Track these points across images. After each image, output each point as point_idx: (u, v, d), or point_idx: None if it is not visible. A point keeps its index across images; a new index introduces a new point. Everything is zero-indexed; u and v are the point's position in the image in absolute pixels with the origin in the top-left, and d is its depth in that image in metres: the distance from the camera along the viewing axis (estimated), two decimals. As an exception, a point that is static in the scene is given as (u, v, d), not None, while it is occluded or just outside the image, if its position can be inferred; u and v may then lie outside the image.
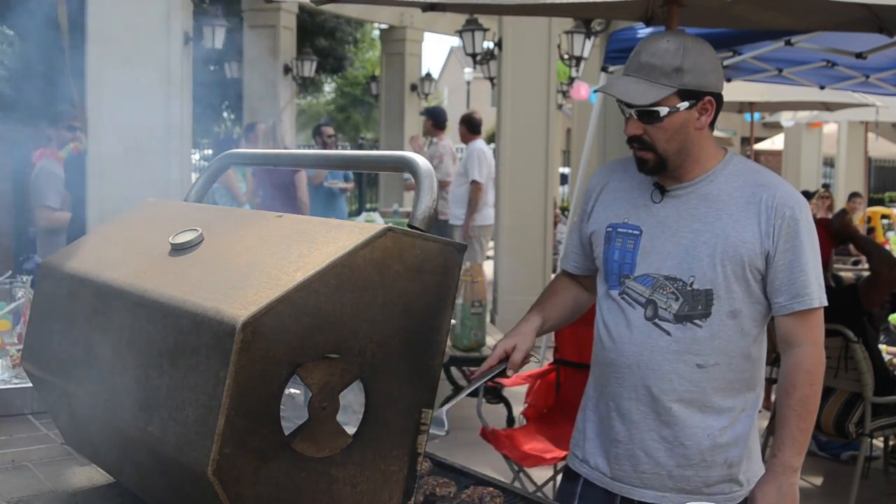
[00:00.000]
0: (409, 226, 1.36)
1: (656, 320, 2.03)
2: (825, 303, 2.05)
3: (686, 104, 1.98)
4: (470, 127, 8.26)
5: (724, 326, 2.01)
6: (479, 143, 8.31)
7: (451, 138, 9.15)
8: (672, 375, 2.02)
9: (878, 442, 5.02)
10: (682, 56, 1.97)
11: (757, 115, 12.31)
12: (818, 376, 2.06)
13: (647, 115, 1.98)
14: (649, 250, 2.04)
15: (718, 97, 2.03)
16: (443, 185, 8.33)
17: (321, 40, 18.88)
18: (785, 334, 2.06)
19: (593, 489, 2.15)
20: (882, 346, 4.74)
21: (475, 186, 8.05)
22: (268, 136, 8.31)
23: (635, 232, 2.07)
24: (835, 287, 4.76)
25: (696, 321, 2.00)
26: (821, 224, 5.17)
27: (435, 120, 8.88)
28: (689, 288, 2.00)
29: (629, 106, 1.99)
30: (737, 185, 2.04)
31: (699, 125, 2.01)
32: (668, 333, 2.02)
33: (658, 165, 2.02)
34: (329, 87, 27.58)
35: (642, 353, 2.04)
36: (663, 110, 1.97)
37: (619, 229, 2.09)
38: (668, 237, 2.03)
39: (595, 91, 2.20)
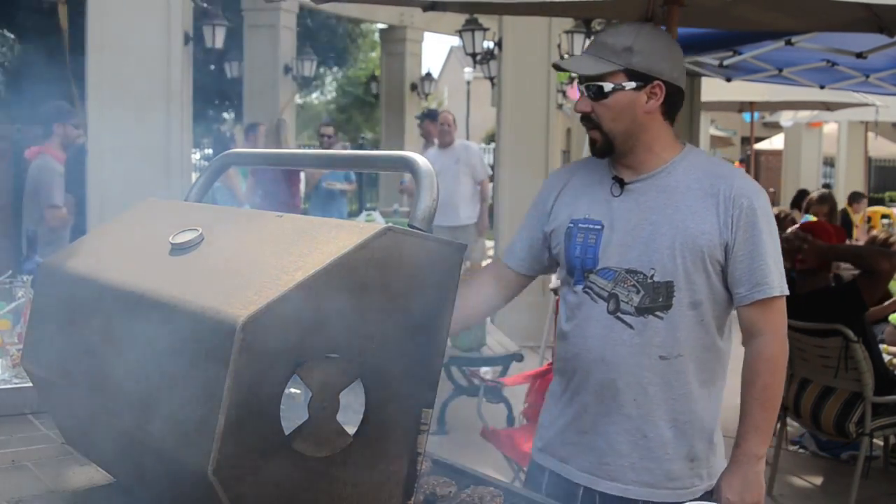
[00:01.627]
0: (410, 225, 1.36)
1: (619, 314, 2.04)
2: (786, 291, 2.07)
3: (633, 84, 2.01)
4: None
5: (685, 318, 2.02)
6: (469, 142, 8.38)
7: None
8: (636, 368, 2.04)
9: (879, 441, 5.02)
10: (633, 37, 2.01)
11: (757, 115, 12.32)
12: (781, 366, 2.09)
13: (595, 91, 2.02)
14: (610, 244, 2.06)
15: (673, 87, 2.05)
16: None
17: (321, 38, 18.88)
18: (747, 324, 2.07)
19: (558, 481, 2.17)
20: (882, 347, 4.74)
21: (485, 183, 8.15)
22: (270, 135, 8.32)
23: (597, 226, 2.09)
24: (835, 286, 4.77)
25: (658, 313, 2.02)
26: (823, 226, 5.18)
27: (430, 121, 8.93)
28: (649, 280, 2.01)
29: (580, 82, 2.04)
30: (695, 177, 2.05)
31: (647, 109, 2.03)
32: (631, 326, 2.03)
33: (606, 146, 2.05)
34: (329, 87, 27.58)
35: (606, 347, 2.05)
36: (608, 86, 2.01)
37: (581, 224, 2.11)
38: (628, 230, 2.05)
39: (553, 66, 2.25)
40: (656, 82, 2.02)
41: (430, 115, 9.10)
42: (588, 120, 2.05)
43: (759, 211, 2.02)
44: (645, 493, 2.07)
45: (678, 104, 2.08)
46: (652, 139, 2.07)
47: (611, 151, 2.07)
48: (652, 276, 2.01)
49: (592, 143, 2.07)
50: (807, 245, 4.41)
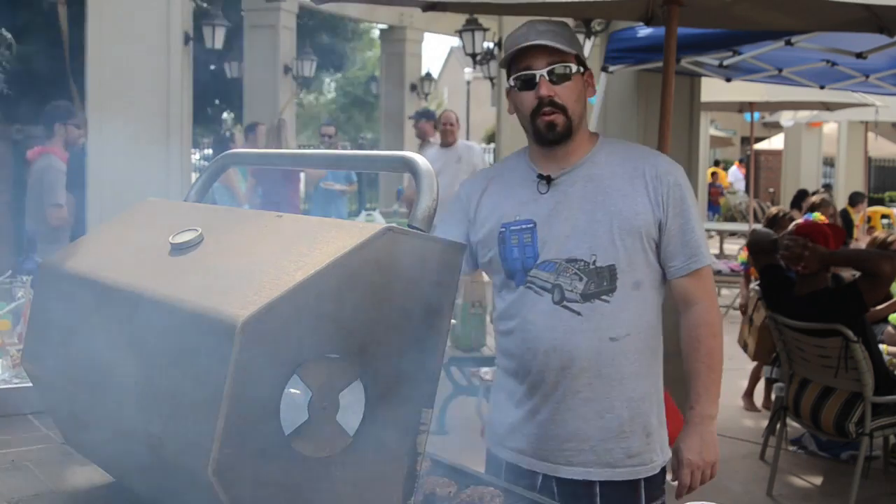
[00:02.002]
0: (409, 225, 1.36)
1: (564, 303, 2.10)
2: (714, 260, 2.19)
3: (582, 70, 2.12)
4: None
5: (629, 298, 2.10)
6: (471, 142, 8.38)
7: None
8: (588, 353, 2.09)
9: (880, 441, 5.02)
10: (569, 31, 2.14)
11: (757, 115, 12.32)
12: (719, 329, 2.18)
13: (559, 74, 2.08)
14: (547, 238, 2.11)
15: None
16: None
17: (321, 38, 18.88)
18: (682, 295, 2.17)
19: (516, 471, 2.20)
20: (882, 347, 4.74)
21: None
22: (271, 136, 8.33)
23: (529, 225, 2.13)
24: (835, 287, 4.77)
25: (603, 297, 2.09)
26: (819, 228, 5.18)
27: (435, 121, 8.90)
28: (592, 266, 2.08)
29: (550, 63, 2.07)
30: (617, 163, 2.14)
31: (587, 95, 2.14)
32: (578, 313, 2.09)
33: (566, 129, 2.11)
34: (329, 87, 27.57)
35: (556, 337, 2.10)
36: (574, 67, 2.09)
37: (512, 227, 2.15)
38: (562, 222, 2.10)
39: (516, 50, 2.21)
40: (589, 71, 2.14)
41: (425, 115, 9.09)
42: (552, 103, 2.09)
43: (685, 187, 2.13)
44: (606, 473, 2.14)
45: None
46: (583, 129, 2.16)
47: (568, 136, 2.12)
48: (594, 261, 2.08)
49: (552, 126, 2.10)
50: (808, 252, 4.42)
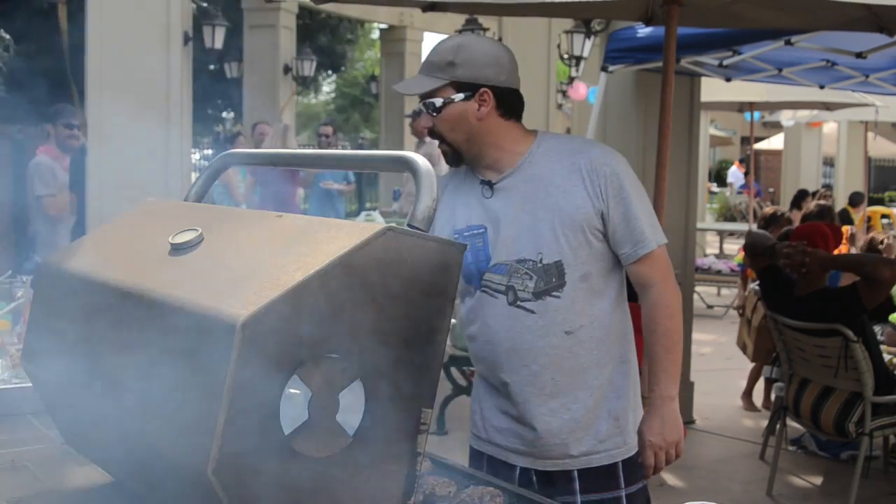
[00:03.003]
0: (409, 225, 1.36)
1: (518, 303, 2.15)
2: (664, 241, 2.18)
3: (462, 95, 2.12)
4: None
5: (579, 291, 2.14)
6: None
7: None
8: (546, 349, 2.14)
9: (880, 441, 5.02)
10: (455, 52, 2.11)
11: (757, 115, 12.32)
12: (676, 309, 2.19)
13: (429, 107, 2.14)
14: (497, 241, 2.16)
15: (502, 90, 2.15)
16: None
17: (321, 38, 18.88)
18: (637, 279, 2.19)
19: (495, 463, 2.27)
20: (882, 347, 4.74)
21: None
22: (276, 140, 8.32)
23: (480, 230, 2.19)
24: (834, 288, 4.77)
25: (554, 293, 2.13)
26: (819, 228, 5.18)
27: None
28: (540, 264, 2.12)
29: (424, 96, 2.14)
30: (555, 159, 2.16)
31: (480, 115, 2.13)
32: (532, 311, 2.14)
33: (455, 156, 2.18)
34: (329, 87, 27.57)
35: (514, 337, 2.15)
36: (438, 101, 2.12)
37: (465, 233, 2.20)
38: (508, 224, 2.15)
39: (394, 88, 2.31)
40: (483, 89, 2.12)
41: (421, 113, 9.07)
42: (433, 134, 2.17)
43: (622, 174, 2.14)
44: (582, 461, 2.19)
45: (515, 102, 2.18)
46: (498, 139, 2.17)
47: (460, 160, 2.19)
48: (541, 259, 2.12)
49: (444, 155, 2.19)
50: (808, 258, 4.43)
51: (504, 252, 2.15)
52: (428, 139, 8.72)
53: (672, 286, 2.19)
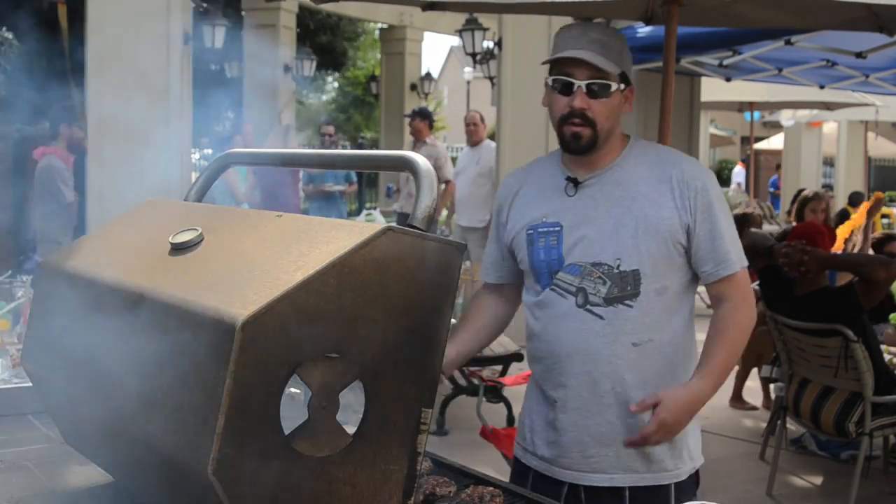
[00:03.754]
0: (409, 225, 1.36)
1: (588, 306, 2.10)
2: (745, 264, 2.14)
3: (622, 87, 2.10)
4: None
5: (652, 304, 2.09)
6: (492, 143, 8.40)
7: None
8: (610, 357, 2.09)
9: (880, 441, 5.02)
10: (623, 43, 2.11)
11: (757, 115, 12.32)
12: (747, 328, 2.14)
13: (598, 88, 2.06)
14: (573, 242, 2.11)
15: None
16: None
17: (321, 38, 18.88)
18: (716, 296, 2.15)
19: (543, 480, 2.20)
20: (882, 347, 4.73)
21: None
22: (277, 139, 8.32)
23: (556, 228, 2.14)
24: (834, 287, 4.76)
25: (627, 301, 2.08)
26: (817, 228, 5.18)
27: (430, 120, 8.89)
28: (616, 270, 2.07)
29: (591, 77, 2.06)
30: (645, 167, 2.13)
31: (623, 111, 2.13)
32: (601, 317, 2.09)
33: (591, 143, 2.10)
34: (329, 87, 27.57)
35: (579, 341, 2.10)
36: (613, 85, 2.07)
37: (540, 229, 2.15)
38: (588, 225, 2.10)
39: (575, 54, 2.20)
40: (630, 87, 2.13)
41: (420, 114, 9.08)
42: (582, 116, 2.07)
43: (712, 191, 2.10)
44: (630, 479, 2.12)
45: None
46: (615, 138, 2.15)
47: (592, 149, 2.11)
48: (618, 265, 2.07)
49: (577, 138, 2.09)
50: (807, 257, 4.43)
51: (580, 253, 2.09)
52: (429, 139, 8.63)
53: (749, 307, 2.14)
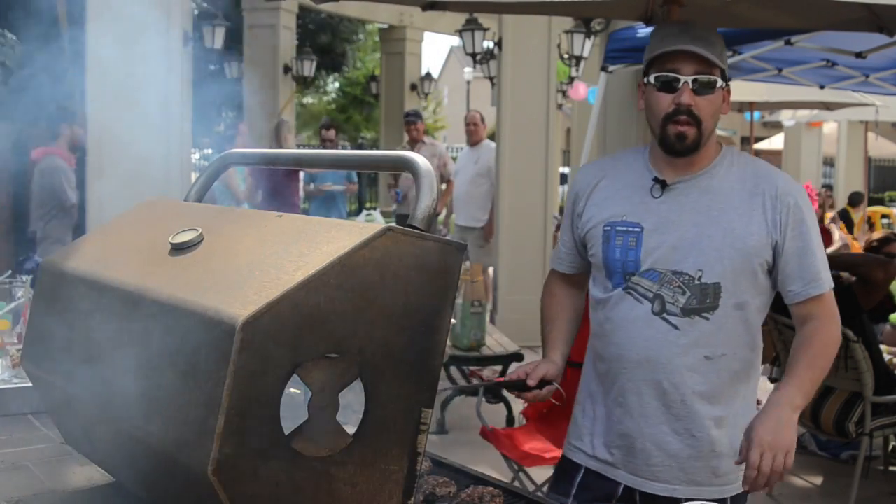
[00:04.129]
0: (409, 225, 1.36)
1: (664, 315, 2.04)
2: (832, 284, 2.09)
3: (724, 84, 2.05)
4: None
5: (729, 318, 2.04)
6: (492, 143, 8.41)
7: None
8: (682, 368, 2.05)
9: (880, 441, 5.02)
10: (720, 41, 2.06)
11: (757, 115, 12.31)
12: (833, 346, 2.08)
13: (705, 85, 2.01)
14: (653, 246, 2.05)
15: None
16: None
17: (321, 38, 18.88)
18: (802, 315, 2.09)
19: (596, 478, 2.17)
20: (882, 347, 4.73)
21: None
22: (270, 136, 8.32)
23: (636, 229, 2.07)
24: (834, 287, 4.76)
25: (704, 314, 2.03)
26: (821, 229, 5.18)
27: (423, 122, 8.92)
28: (696, 282, 2.02)
29: (699, 71, 2.00)
30: (737, 178, 2.07)
31: (723, 110, 2.07)
32: (676, 327, 2.04)
33: (695, 143, 2.03)
34: (329, 87, 27.57)
35: (651, 348, 2.06)
36: (718, 81, 2.02)
37: (619, 227, 2.09)
38: (671, 231, 2.04)
39: (662, 52, 2.03)
40: (728, 87, 2.07)
41: (419, 115, 9.12)
42: (689, 113, 2.02)
43: (805, 209, 2.05)
44: (692, 491, 2.08)
45: None
46: (712, 141, 2.09)
47: (696, 150, 2.05)
48: (699, 277, 2.02)
49: (682, 137, 2.02)
50: None
51: (660, 259, 2.04)
52: (427, 139, 8.66)
53: (836, 326, 2.10)
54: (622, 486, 2.13)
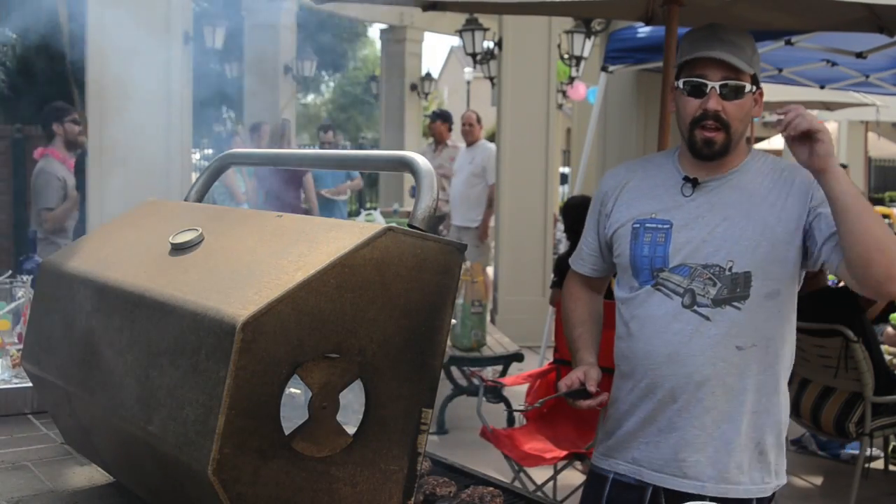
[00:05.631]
0: (410, 225, 1.36)
1: (695, 307, 2.04)
2: None
3: (754, 88, 2.05)
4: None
5: (761, 308, 2.04)
6: (492, 144, 8.40)
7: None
8: (713, 360, 2.04)
9: (880, 441, 5.02)
10: (753, 44, 2.06)
11: (757, 115, 12.30)
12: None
13: (732, 90, 2.02)
14: (683, 242, 2.06)
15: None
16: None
17: (321, 38, 18.88)
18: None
19: (621, 490, 2.16)
20: (882, 348, 4.73)
21: (493, 188, 8.17)
22: (275, 137, 8.32)
23: (665, 226, 2.08)
24: (835, 287, 4.77)
25: (735, 304, 2.03)
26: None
27: (450, 122, 8.89)
28: (728, 273, 2.02)
29: (727, 77, 2.00)
30: (766, 173, 2.09)
31: (754, 114, 2.07)
32: (708, 318, 2.04)
33: (724, 147, 2.04)
34: (329, 87, 27.57)
35: (682, 342, 2.05)
36: (748, 86, 2.03)
37: (647, 224, 2.10)
38: (701, 227, 2.05)
39: (691, 58, 2.05)
40: (760, 90, 2.07)
41: (441, 116, 9.04)
42: (717, 118, 2.02)
43: None
44: (720, 489, 2.06)
45: None
46: (742, 142, 2.10)
47: (724, 154, 2.06)
48: (730, 267, 2.02)
49: (710, 143, 2.03)
50: None
51: (690, 254, 2.05)
52: (450, 141, 8.65)
53: None
54: (650, 492, 2.12)
